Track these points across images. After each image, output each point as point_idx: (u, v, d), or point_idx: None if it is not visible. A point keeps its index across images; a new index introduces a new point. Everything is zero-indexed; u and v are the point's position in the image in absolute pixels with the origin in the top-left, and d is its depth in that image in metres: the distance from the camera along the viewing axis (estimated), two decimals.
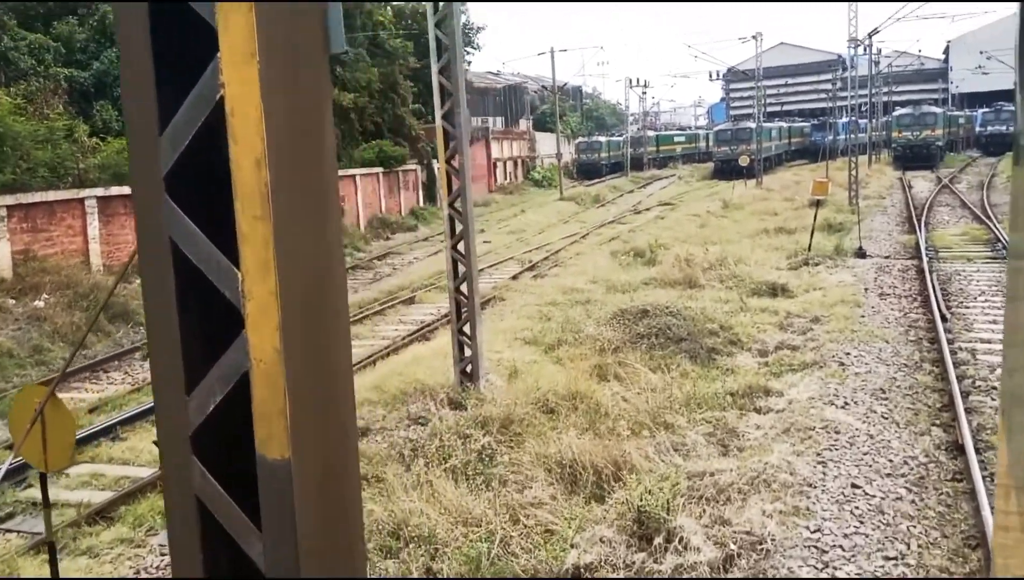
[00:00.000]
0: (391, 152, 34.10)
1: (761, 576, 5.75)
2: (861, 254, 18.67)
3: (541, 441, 7.67)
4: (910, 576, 5.75)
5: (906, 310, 13.17)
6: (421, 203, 38.20)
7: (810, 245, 18.70)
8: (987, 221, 23.25)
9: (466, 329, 9.45)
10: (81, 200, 16.56)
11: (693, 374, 10.45)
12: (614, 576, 5.74)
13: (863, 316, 12.60)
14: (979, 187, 35.94)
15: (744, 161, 39.65)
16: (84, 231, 16.55)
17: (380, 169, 33.51)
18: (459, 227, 9.20)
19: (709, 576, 5.65)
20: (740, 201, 33.81)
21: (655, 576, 5.71)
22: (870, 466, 7.39)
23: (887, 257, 18.73)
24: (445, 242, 9.41)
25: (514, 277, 18.35)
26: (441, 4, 8.98)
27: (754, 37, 41.27)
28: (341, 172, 29.25)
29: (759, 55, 41.30)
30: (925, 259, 17.41)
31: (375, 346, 12.99)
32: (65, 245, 16.08)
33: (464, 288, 9.44)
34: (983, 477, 6.65)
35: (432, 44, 8.98)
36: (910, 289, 14.87)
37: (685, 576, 5.69)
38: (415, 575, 5.79)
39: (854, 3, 27.11)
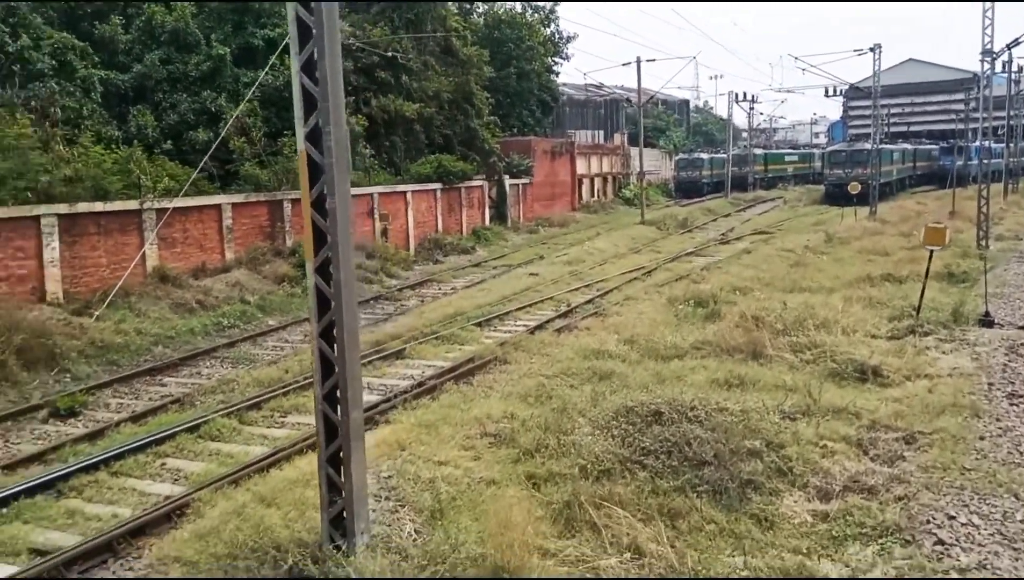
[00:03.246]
0: (451, 167, 31.40)
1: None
2: (987, 322, 14.40)
3: None
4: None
5: None
6: (487, 222, 35.35)
7: (919, 308, 14.57)
8: None
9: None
10: (35, 218, 14.45)
11: (709, 529, 6.99)
12: None
13: (982, 438, 8.67)
14: None
15: (854, 189, 34.82)
16: (38, 254, 14.42)
17: (438, 185, 30.82)
18: (332, 305, 6.12)
19: None
20: (847, 234, 29.27)
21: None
22: None
23: (1023, 327, 14.39)
24: (311, 325, 6.32)
25: (534, 329, 15.07)
26: None
27: (872, 50, 36.37)
28: (387, 188, 26.78)
29: (877, 70, 36.37)
30: None
31: (273, 445, 9.64)
32: (11, 270, 13.97)
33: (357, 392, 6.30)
34: None
35: (292, 27, 5.98)
36: None
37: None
38: None
39: (989, 4, 22.40)
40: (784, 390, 10.71)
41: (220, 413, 10.08)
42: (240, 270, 18.74)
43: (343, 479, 6.08)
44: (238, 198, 20.59)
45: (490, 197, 37.31)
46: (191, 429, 9.54)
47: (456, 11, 41.60)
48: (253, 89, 22.40)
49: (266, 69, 24.16)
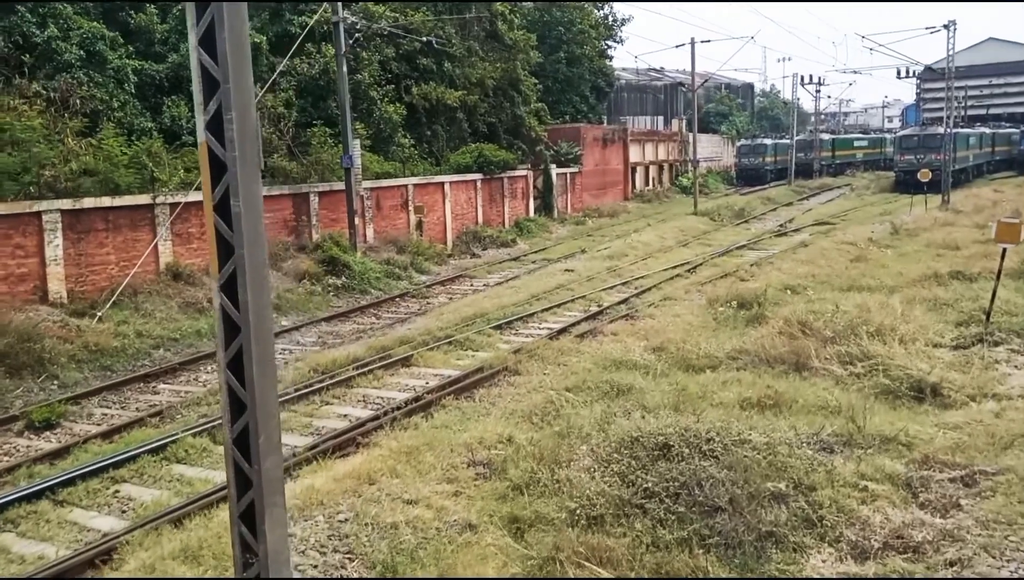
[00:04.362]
0: (492, 156, 30.30)
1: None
2: None
3: None
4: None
5: None
6: (530, 213, 34.20)
7: (989, 313, 12.91)
8: None
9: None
10: (37, 214, 13.93)
11: None
12: None
13: None
14: None
15: (925, 177, 32.48)
16: (40, 252, 13.91)
17: (479, 176, 29.79)
18: (242, 330, 5.10)
19: None
20: (915, 226, 27.23)
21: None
22: None
23: None
24: (217, 354, 5.34)
25: (556, 334, 13.91)
26: None
27: (946, 27, 33.84)
28: (423, 179, 25.88)
29: (951, 49, 33.84)
30: None
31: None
32: (10, 269, 13.47)
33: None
34: None
35: None
36: None
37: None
38: None
39: None
40: (826, 412, 9.40)
41: (193, 431, 9.27)
42: None
43: (257, 540, 5.08)
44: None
45: (535, 187, 36.13)
46: (156, 450, 8.75)
47: None
48: (272, 78, 21.70)
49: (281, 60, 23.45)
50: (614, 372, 11.18)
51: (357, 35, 22.40)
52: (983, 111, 74.61)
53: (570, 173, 39.46)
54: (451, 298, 19.02)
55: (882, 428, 8.60)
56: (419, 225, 25.39)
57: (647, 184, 52.27)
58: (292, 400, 10.60)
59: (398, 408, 9.97)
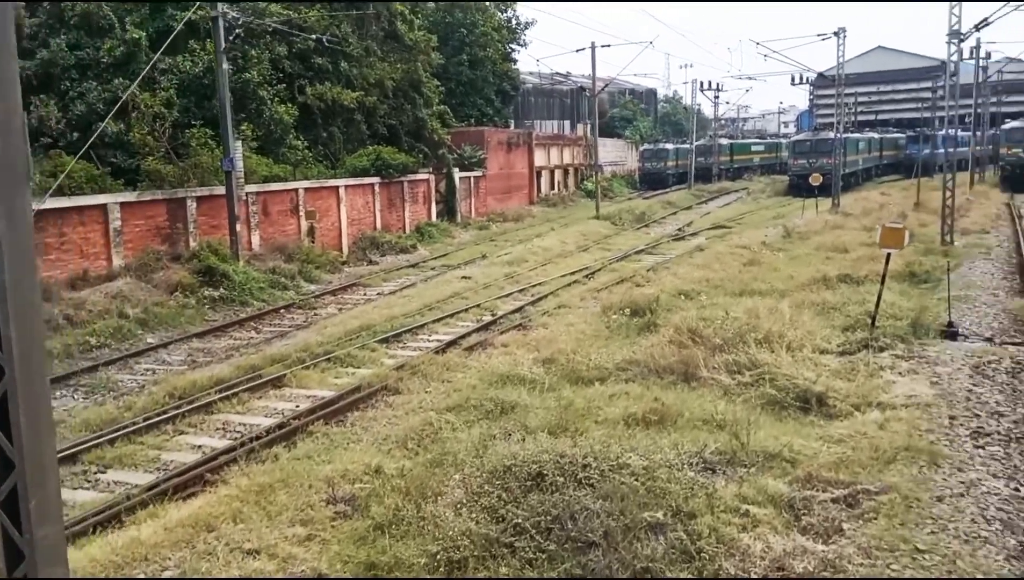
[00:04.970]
0: (391, 159, 29.42)
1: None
2: (951, 333, 12.86)
3: None
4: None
5: (1021, 477, 7.54)
6: (433, 218, 33.45)
7: (875, 318, 12.97)
8: None
9: None
10: None
11: None
12: None
13: (940, 499, 7.02)
14: None
15: (816, 181, 33.37)
16: None
17: (377, 179, 28.86)
18: (6, 373, 4.23)
19: None
20: (807, 229, 27.83)
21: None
22: None
23: (989, 339, 12.87)
24: None
25: (445, 347, 13.27)
26: None
27: (836, 34, 34.90)
28: (315, 183, 24.75)
29: (840, 54, 34.92)
30: None
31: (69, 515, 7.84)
32: None
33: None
34: None
35: None
36: None
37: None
38: None
39: None
40: (711, 427, 9.06)
41: None
42: (126, 278, 16.73)
43: None
44: (129, 197, 18.54)
45: (438, 191, 35.41)
46: None
47: None
48: (143, 74, 20.31)
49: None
50: (500, 388, 10.60)
51: (238, 31, 21.16)
52: (872, 117, 78.07)
53: (474, 177, 38.91)
54: (341, 309, 18.12)
55: (766, 443, 8.30)
56: (311, 231, 24.29)
57: (552, 188, 52.25)
58: (140, 431, 9.58)
59: (258, 438, 9.10)
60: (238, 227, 20.14)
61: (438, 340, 14.07)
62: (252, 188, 22.19)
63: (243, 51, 26.93)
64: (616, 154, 69.42)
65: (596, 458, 7.22)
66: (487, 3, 47.06)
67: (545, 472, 6.97)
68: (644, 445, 8.00)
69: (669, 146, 62.99)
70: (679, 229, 33.03)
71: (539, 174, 49.37)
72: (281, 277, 20.04)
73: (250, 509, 6.98)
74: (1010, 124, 47.33)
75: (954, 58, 22.95)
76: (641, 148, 65.96)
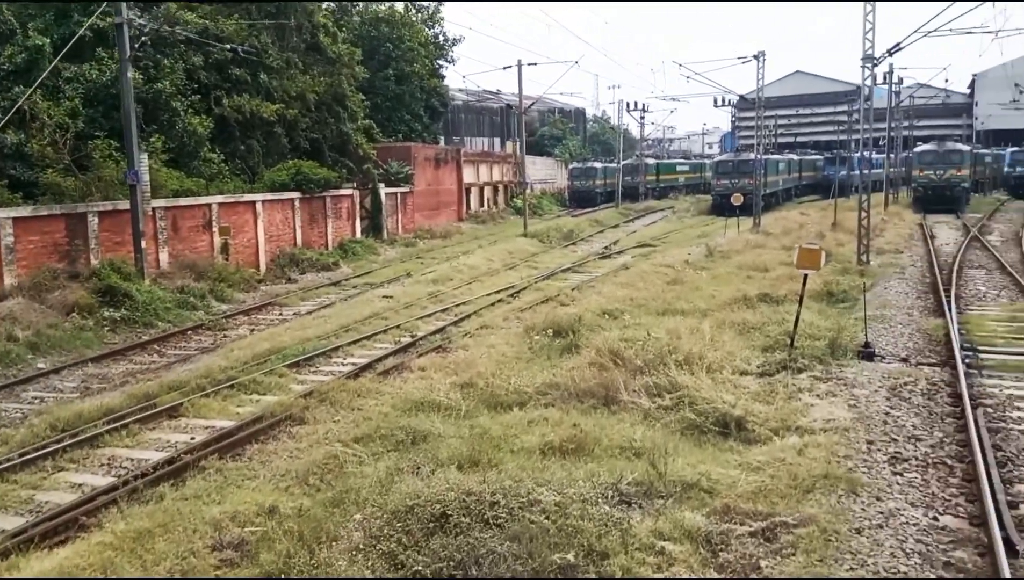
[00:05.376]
0: (313, 173, 28.61)
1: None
2: (867, 354, 12.93)
3: None
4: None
5: (940, 505, 7.43)
6: (357, 235, 32.69)
7: (793, 339, 12.96)
8: None
9: None
10: None
11: None
12: None
13: (859, 531, 6.83)
14: (1016, 241, 30.13)
15: (737, 201, 33.94)
16: None
17: (298, 194, 28.00)
18: None
19: None
20: (729, 248, 28.15)
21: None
22: None
23: (904, 359, 12.99)
24: None
25: (358, 372, 12.67)
26: None
27: (756, 57, 35.67)
28: (231, 197, 23.83)
29: (760, 76, 35.70)
30: (962, 370, 11.70)
31: None
32: None
33: None
34: None
35: None
36: (942, 441, 9.13)
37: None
38: None
39: (871, 6, 21.45)
40: (629, 454, 8.76)
41: None
42: (17, 299, 15.59)
43: None
44: (23, 211, 17.35)
45: (363, 207, 34.68)
46: None
47: (327, 8, 38.75)
48: (40, 80, 19.19)
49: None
50: (413, 416, 10.10)
51: (144, 39, 20.19)
52: (792, 139, 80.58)
53: (401, 193, 38.29)
54: (253, 329, 17.29)
55: (684, 472, 8.02)
56: (225, 248, 23.29)
57: (482, 205, 52.00)
58: (15, 467, 8.72)
59: (143, 475, 8.36)
60: (144, 244, 19.10)
61: (353, 364, 13.45)
62: (161, 202, 21.14)
63: (155, 60, 25.84)
64: (546, 172, 69.76)
65: (506, 495, 6.80)
66: (413, 19, 46.64)
67: (450, 512, 6.51)
68: (558, 477, 7.62)
69: (597, 165, 63.59)
70: (606, 247, 33.09)
71: (468, 191, 49.05)
72: (190, 296, 19.05)
73: (124, 559, 6.30)
74: (921, 147, 49.30)
75: (868, 82, 23.58)
76: (570, 166, 66.46)
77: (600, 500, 7.20)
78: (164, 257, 20.99)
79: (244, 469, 8.64)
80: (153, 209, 20.47)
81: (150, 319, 17.22)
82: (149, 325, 17.12)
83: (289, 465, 8.62)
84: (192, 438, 9.78)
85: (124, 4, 19.09)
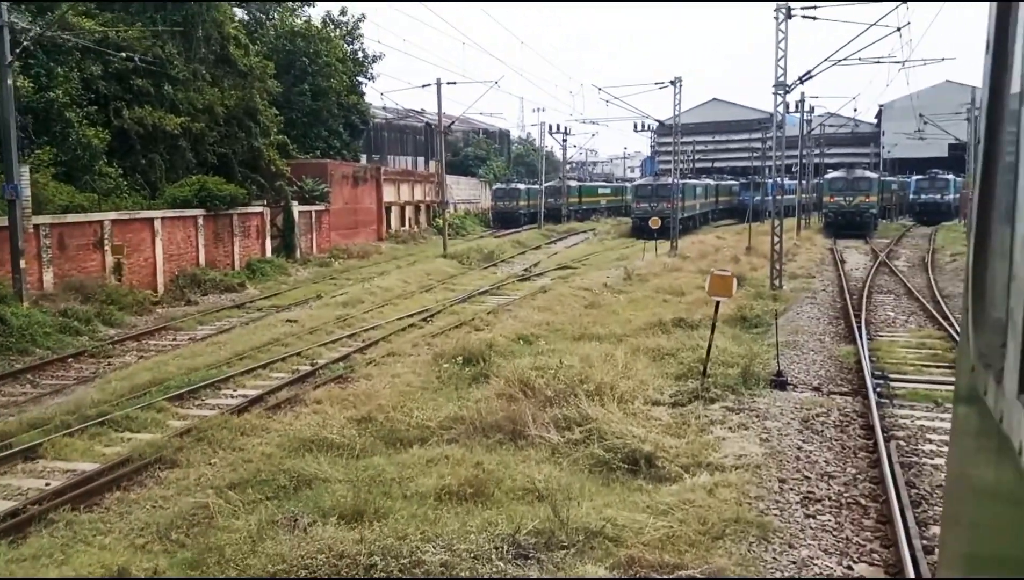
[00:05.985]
0: (218, 190, 27.30)
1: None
2: (780, 383, 12.69)
3: None
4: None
5: (855, 551, 7.04)
6: (267, 254, 31.38)
7: (705, 368, 12.62)
8: (945, 324, 17.74)
9: None
10: None
11: None
12: None
13: None
14: (922, 266, 31.04)
15: (655, 224, 34.07)
16: None
17: (202, 211, 26.63)
18: None
19: None
20: (647, 271, 28.06)
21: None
22: None
23: (816, 388, 12.80)
24: None
25: (244, 407, 11.69)
26: None
27: (672, 83, 36.05)
28: (125, 214, 22.39)
29: (677, 103, 36.08)
30: (873, 400, 11.54)
31: None
32: None
33: None
34: None
35: None
36: (855, 478, 8.82)
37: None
38: None
39: (782, 36, 21.75)
40: (531, 498, 8.14)
41: None
42: None
43: None
44: None
45: (275, 225, 33.37)
46: None
47: (239, 20, 37.46)
48: None
49: None
50: (299, 457, 9.25)
51: (26, 44, 18.77)
52: (709, 164, 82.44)
53: (316, 211, 37.10)
54: (141, 357, 16.03)
55: (588, 519, 7.43)
56: (118, 268, 21.82)
57: (403, 224, 51.09)
58: None
59: None
60: (23, 263, 17.61)
61: (243, 396, 12.45)
62: (46, 219, 19.63)
63: (48, 68, 24.26)
64: (470, 192, 69.36)
65: (385, 555, 6.07)
66: (332, 34, 45.65)
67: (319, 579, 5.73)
68: (450, 529, 6.93)
69: (521, 186, 63.52)
70: (526, 269, 32.67)
71: (389, 210, 48.09)
72: (74, 320, 17.62)
73: None
74: (832, 174, 50.87)
75: (780, 108, 23.87)
76: (494, 187, 66.23)
77: (494, 555, 6.55)
78: (48, 277, 19.46)
79: (99, 522, 7.64)
80: (36, 226, 18.97)
81: (26, 346, 15.79)
82: (25, 352, 15.70)
83: (151, 517, 7.66)
84: (47, 484, 8.69)
85: (4, 6, 17.68)
